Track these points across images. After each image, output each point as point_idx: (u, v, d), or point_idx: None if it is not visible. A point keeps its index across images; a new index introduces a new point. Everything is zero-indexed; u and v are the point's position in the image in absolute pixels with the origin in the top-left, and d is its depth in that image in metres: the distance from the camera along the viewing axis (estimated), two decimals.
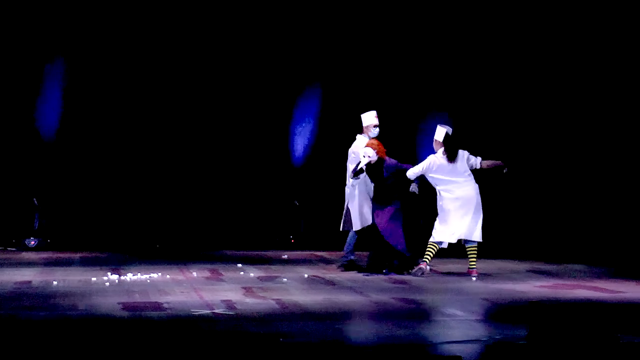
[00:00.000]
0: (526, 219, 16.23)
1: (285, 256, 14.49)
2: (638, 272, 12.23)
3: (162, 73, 16.89)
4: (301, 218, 17.22)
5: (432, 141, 12.27)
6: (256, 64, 17.07)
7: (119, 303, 9.41)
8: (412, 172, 12.11)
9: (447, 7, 16.75)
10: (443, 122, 12.77)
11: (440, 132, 12.23)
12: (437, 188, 12.15)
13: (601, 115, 16.05)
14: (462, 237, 12.03)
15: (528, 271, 12.52)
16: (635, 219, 15.19)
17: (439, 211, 12.14)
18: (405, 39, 16.86)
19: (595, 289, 10.69)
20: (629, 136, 15.70)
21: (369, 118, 12.52)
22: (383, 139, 12.37)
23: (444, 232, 12.04)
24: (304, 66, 17.11)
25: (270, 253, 14.94)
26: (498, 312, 9.06)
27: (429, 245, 12.06)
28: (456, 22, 16.71)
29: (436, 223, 12.13)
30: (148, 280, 11.31)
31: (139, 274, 11.80)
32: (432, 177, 12.13)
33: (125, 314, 8.78)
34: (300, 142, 17.42)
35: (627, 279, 11.56)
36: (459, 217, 11.99)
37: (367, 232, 12.30)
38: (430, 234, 12.11)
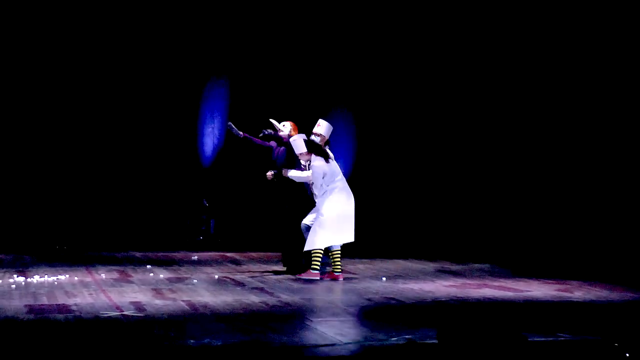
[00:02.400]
0: (434, 219, 16.42)
1: (195, 257, 14.41)
2: (540, 271, 12.49)
3: (66, 71, 16.67)
4: (211, 218, 17.15)
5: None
6: (164, 62, 16.96)
7: (25, 306, 9.26)
8: (299, 176, 11.61)
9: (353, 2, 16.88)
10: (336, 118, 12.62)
11: (327, 127, 11.68)
12: (330, 186, 11.41)
13: (492, 112, 16.19)
14: (350, 240, 11.60)
15: (436, 271, 12.67)
16: (537, 219, 15.48)
17: (328, 214, 11.40)
18: (308, 35, 16.95)
19: (501, 287, 10.88)
20: (526, 135, 15.89)
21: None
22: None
23: (339, 235, 11.51)
24: (212, 64, 17.06)
25: (179, 254, 14.85)
26: (407, 312, 9.15)
27: (324, 256, 11.60)
28: (358, 17, 16.84)
29: (326, 230, 11.39)
30: (55, 282, 11.14)
31: (45, 275, 11.63)
32: (328, 175, 11.45)
33: (31, 316, 8.64)
34: (208, 142, 17.35)
35: (531, 277, 11.80)
36: (352, 218, 11.56)
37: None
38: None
